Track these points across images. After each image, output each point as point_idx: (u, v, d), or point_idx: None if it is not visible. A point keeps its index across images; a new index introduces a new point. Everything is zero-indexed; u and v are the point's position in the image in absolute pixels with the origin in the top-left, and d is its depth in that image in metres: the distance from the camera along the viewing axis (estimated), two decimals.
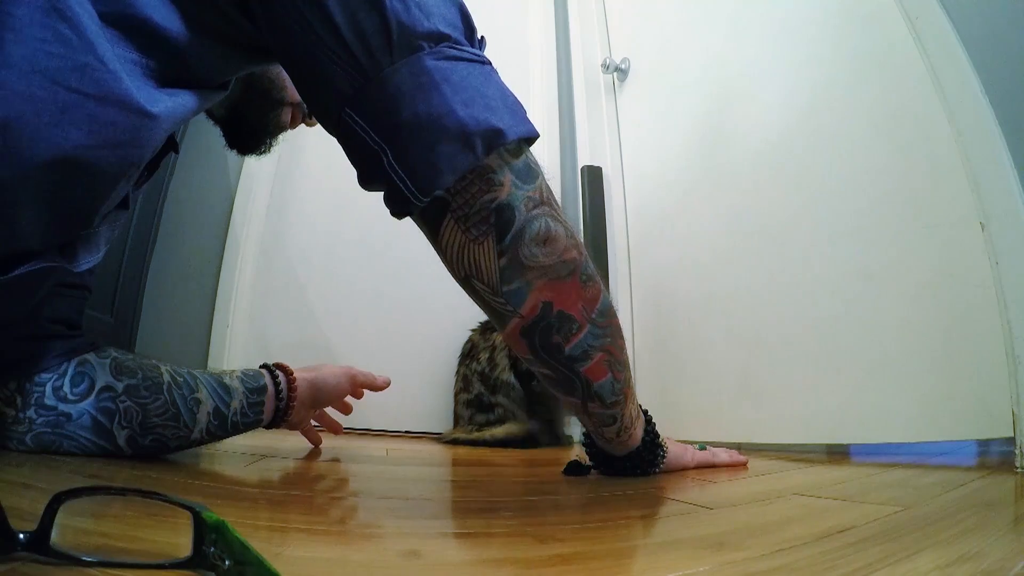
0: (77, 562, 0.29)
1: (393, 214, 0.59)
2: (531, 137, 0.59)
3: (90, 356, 0.75)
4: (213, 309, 1.90)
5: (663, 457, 0.85)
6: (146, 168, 0.66)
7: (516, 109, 0.59)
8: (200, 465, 0.83)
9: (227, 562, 0.29)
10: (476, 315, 1.79)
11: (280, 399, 0.92)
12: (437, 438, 1.57)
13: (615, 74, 2.18)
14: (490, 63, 0.59)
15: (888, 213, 1.13)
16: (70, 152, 0.51)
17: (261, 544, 0.30)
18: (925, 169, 1.07)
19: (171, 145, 0.70)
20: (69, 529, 0.32)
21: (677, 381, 1.69)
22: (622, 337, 0.71)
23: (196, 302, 1.92)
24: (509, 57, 2.26)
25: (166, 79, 0.57)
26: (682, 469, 0.90)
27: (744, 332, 1.46)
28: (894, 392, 1.09)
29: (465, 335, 1.78)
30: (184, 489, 0.60)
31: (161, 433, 0.76)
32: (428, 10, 0.55)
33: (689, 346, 1.66)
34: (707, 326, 1.59)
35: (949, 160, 1.02)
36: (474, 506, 0.66)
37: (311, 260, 1.93)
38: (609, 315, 0.68)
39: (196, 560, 0.29)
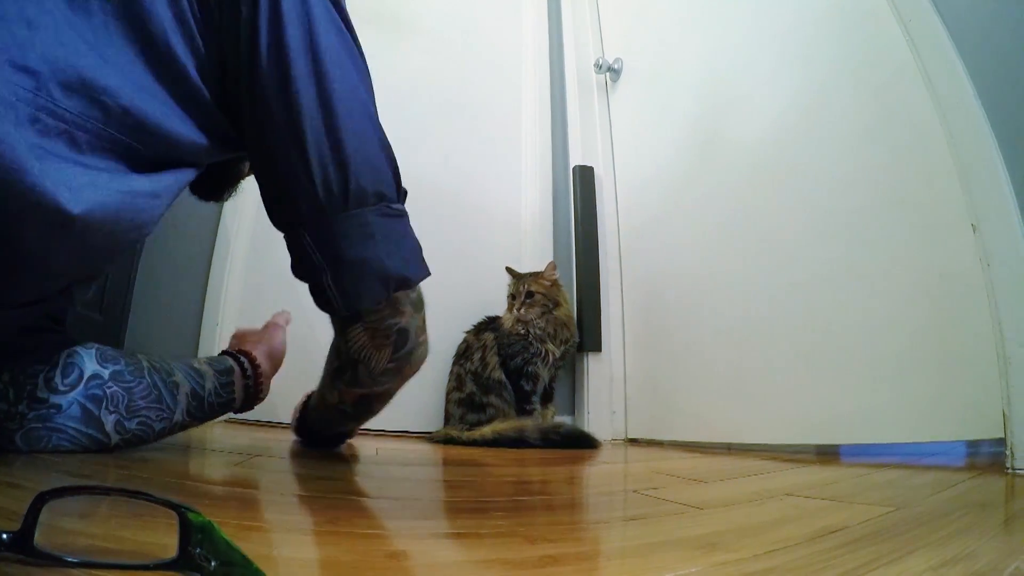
0: (61, 563, 0.29)
1: (317, 306, 0.79)
2: (425, 277, 0.83)
3: (77, 348, 0.76)
4: (203, 307, 1.89)
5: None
6: None
7: (418, 257, 0.81)
8: (187, 465, 0.83)
9: (213, 563, 0.29)
10: (469, 317, 1.79)
11: (248, 378, 0.98)
12: (427, 437, 1.56)
13: (608, 74, 2.19)
14: (406, 214, 0.80)
15: (880, 214, 1.14)
16: (120, 238, 0.65)
17: (247, 545, 0.30)
18: (917, 171, 1.08)
19: None
20: (54, 529, 0.31)
21: (668, 381, 1.69)
22: None
23: (186, 300, 1.90)
24: (502, 56, 2.27)
25: (161, 163, 0.68)
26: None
27: (735, 332, 1.46)
28: (885, 393, 1.09)
29: (458, 337, 1.77)
30: (170, 489, 0.59)
31: (146, 416, 0.80)
32: (377, 175, 0.76)
33: (680, 346, 1.66)
34: (698, 326, 1.60)
35: (941, 162, 1.02)
36: (464, 506, 0.66)
37: None
38: None
39: (182, 561, 0.29)
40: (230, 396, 0.95)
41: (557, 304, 1.73)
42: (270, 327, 1.11)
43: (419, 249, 0.82)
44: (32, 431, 0.71)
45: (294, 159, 0.71)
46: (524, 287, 1.70)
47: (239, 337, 1.09)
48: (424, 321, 0.87)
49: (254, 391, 0.99)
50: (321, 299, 0.78)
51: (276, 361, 1.08)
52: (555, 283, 1.75)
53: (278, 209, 0.77)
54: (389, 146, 0.79)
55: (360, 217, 0.74)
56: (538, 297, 1.69)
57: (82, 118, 0.58)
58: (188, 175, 0.73)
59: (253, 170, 0.78)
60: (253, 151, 0.76)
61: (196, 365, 0.91)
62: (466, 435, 1.49)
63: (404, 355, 0.83)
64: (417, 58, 2.14)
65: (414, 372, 0.90)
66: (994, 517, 0.58)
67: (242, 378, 0.97)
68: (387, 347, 0.82)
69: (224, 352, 1.01)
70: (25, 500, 0.30)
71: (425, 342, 0.88)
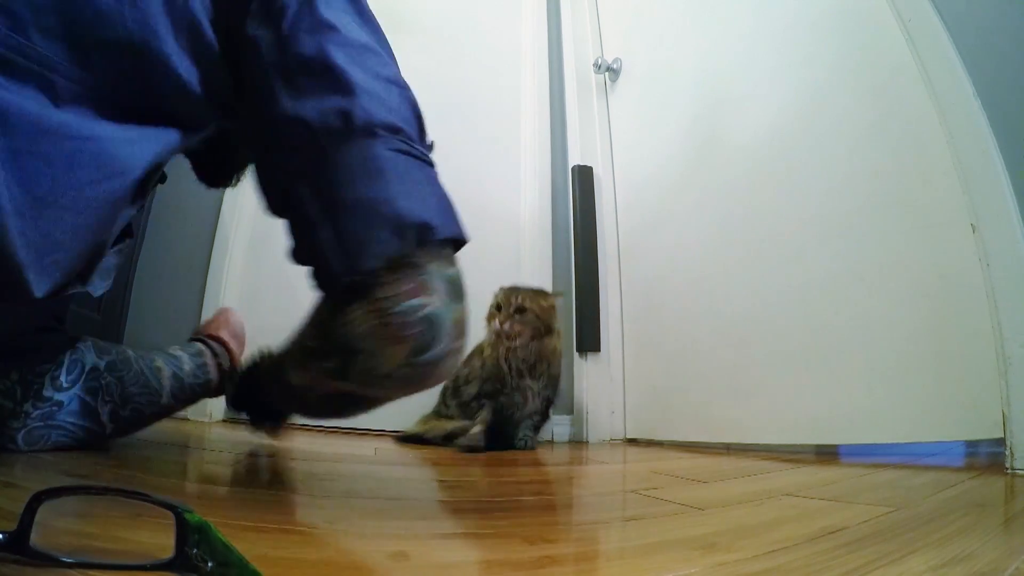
0: (57, 563, 0.29)
1: (317, 287, 0.61)
2: (461, 240, 0.62)
3: (79, 345, 0.80)
4: (202, 304, 1.88)
5: None
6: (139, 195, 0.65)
7: (451, 212, 0.62)
8: (185, 464, 0.83)
9: (210, 564, 0.29)
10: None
11: (218, 356, 1.03)
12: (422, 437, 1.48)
13: (607, 74, 2.18)
14: (434, 166, 0.63)
15: (879, 214, 1.13)
16: (95, 188, 0.54)
17: (245, 545, 0.30)
18: (916, 171, 1.07)
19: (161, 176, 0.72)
20: (50, 529, 0.31)
21: (667, 381, 1.69)
22: None
23: (185, 297, 1.90)
24: (502, 56, 2.27)
25: (143, 113, 0.59)
26: None
27: (734, 332, 1.46)
28: (884, 393, 1.09)
29: None
30: (167, 489, 0.59)
31: (137, 401, 0.84)
32: (389, 105, 0.61)
33: (679, 346, 1.66)
34: (697, 326, 1.59)
35: (940, 162, 1.02)
36: (464, 507, 0.66)
37: None
38: None
39: (178, 561, 0.29)
40: (206, 376, 0.99)
41: (550, 331, 1.46)
42: (222, 311, 1.18)
43: (451, 203, 0.63)
44: (34, 430, 0.72)
45: (283, 99, 0.59)
46: (516, 300, 1.43)
47: (197, 332, 1.13)
48: (465, 316, 0.62)
49: (229, 370, 1.04)
50: (320, 274, 0.60)
51: (240, 339, 1.12)
52: (553, 307, 1.49)
53: (271, 170, 0.64)
54: (407, 87, 0.66)
55: (365, 149, 0.58)
56: (530, 316, 1.42)
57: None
58: (170, 136, 0.63)
59: (247, 141, 0.68)
60: (244, 107, 0.65)
61: (171, 351, 0.97)
62: (423, 429, 1.48)
63: (427, 361, 0.58)
64: (416, 58, 2.13)
65: (432, 386, 0.65)
66: (994, 517, 0.58)
67: (213, 357, 1.02)
68: (406, 342, 0.56)
69: (191, 339, 1.07)
70: (21, 500, 0.29)
71: (461, 350, 0.63)
